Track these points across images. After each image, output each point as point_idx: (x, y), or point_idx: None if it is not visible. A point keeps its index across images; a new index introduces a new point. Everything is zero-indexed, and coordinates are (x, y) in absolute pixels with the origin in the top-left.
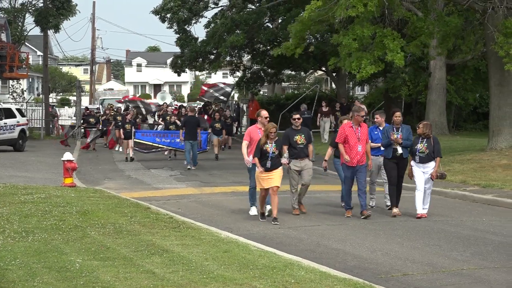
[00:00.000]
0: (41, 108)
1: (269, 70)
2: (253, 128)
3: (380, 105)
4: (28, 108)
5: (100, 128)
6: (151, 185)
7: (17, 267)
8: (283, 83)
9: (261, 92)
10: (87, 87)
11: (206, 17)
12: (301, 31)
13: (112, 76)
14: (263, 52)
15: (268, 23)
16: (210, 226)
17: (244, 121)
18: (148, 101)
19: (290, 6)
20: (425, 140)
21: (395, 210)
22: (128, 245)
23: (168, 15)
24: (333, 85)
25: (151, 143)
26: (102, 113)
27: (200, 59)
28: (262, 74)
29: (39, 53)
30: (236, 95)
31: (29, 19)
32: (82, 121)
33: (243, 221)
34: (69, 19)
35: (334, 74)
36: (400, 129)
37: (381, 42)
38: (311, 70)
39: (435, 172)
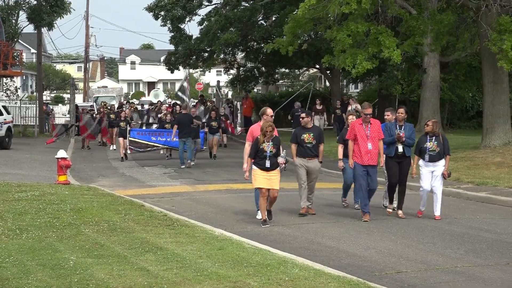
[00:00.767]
0: (35, 106)
1: (263, 68)
2: (256, 127)
3: (374, 103)
4: (22, 106)
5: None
6: (145, 183)
7: (11, 264)
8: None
9: (255, 90)
10: (81, 85)
11: (200, 15)
12: (295, 28)
13: (106, 74)
14: (257, 49)
15: (262, 21)
16: (204, 223)
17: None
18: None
19: (284, 3)
20: (434, 138)
21: (397, 211)
22: (122, 243)
23: (162, 13)
24: (327, 83)
25: (146, 142)
26: (96, 111)
27: (194, 57)
28: (256, 72)
29: (33, 50)
30: (230, 93)
31: (22, 17)
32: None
33: (237, 219)
34: (63, 17)
35: (328, 72)
36: (403, 126)
37: (376, 39)
38: (305, 68)
39: (446, 171)
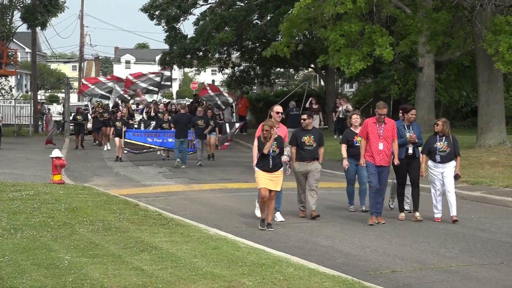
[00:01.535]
0: (29, 105)
1: (258, 67)
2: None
3: (369, 102)
4: (16, 105)
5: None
6: (140, 182)
7: (5, 264)
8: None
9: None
10: (75, 84)
11: (195, 15)
12: (290, 28)
13: (100, 73)
14: (252, 49)
15: (257, 20)
16: (199, 223)
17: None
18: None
19: (279, 3)
20: (444, 138)
21: (413, 213)
22: (117, 242)
23: (157, 13)
24: (322, 82)
25: (142, 144)
26: (90, 110)
27: (189, 56)
28: (252, 73)
29: (27, 50)
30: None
31: (17, 16)
32: (71, 118)
33: (232, 218)
34: (57, 16)
35: (323, 71)
36: (410, 127)
37: (369, 38)
38: (300, 68)
39: (458, 171)
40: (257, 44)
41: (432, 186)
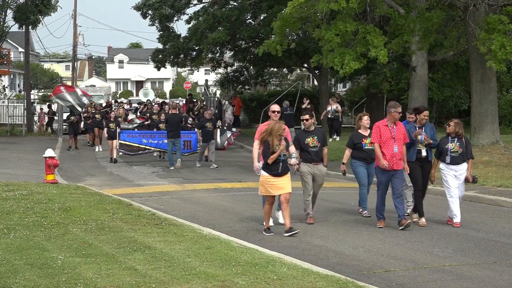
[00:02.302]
0: (22, 104)
1: (251, 67)
2: (265, 126)
3: (362, 102)
4: (9, 104)
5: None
6: (133, 182)
7: None
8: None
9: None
10: (69, 84)
11: (188, 14)
12: (283, 27)
13: (94, 73)
14: (245, 49)
15: (250, 20)
16: (192, 222)
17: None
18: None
19: (272, 2)
20: (456, 139)
21: (423, 220)
22: (110, 242)
23: (150, 12)
24: (315, 82)
25: (137, 145)
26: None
27: (182, 56)
28: (246, 73)
29: (20, 49)
30: (218, 92)
31: (10, 15)
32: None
33: (226, 218)
34: (50, 15)
35: (316, 71)
36: (423, 128)
37: (364, 39)
38: (293, 67)
39: (470, 175)
40: (250, 44)
41: (447, 189)
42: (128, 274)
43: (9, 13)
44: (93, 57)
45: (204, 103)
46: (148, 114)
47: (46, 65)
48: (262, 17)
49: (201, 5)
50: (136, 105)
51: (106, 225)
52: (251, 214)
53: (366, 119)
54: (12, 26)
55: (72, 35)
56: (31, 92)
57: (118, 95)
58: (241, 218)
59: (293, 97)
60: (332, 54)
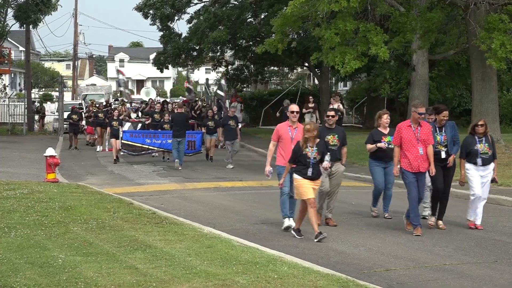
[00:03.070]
0: (23, 103)
1: (252, 66)
2: (283, 126)
3: (363, 101)
4: (10, 103)
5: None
6: (134, 181)
7: None
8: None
9: (244, 88)
10: (69, 83)
11: (189, 13)
12: (284, 25)
13: (94, 72)
14: (245, 47)
15: (250, 19)
16: (193, 221)
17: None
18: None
19: (272, 2)
20: (483, 139)
21: (439, 222)
22: (111, 241)
23: (151, 11)
24: (316, 81)
25: (140, 145)
26: (84, 109)
27: (183, 55)
28: (246, 71)
29: (21, 48)
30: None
31: (11, 14)
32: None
33: (226, 217)
34: (51, 14)
35: (317, 70)
36: (443, 129)
37: (364, 37)
38: (294, 66)
39: (496, 175)
40: (251, 43)
41: (472, 190)
42: (128, 273)
43: (10, 12)
44: (94, 56)
45: (206, 102)
46: (149, 114)
47: (47, 64)
48: (262, 16)
49: (202, 4)
50: (136, 104)
51: (106, 224)
52: (252, 213)
53: (385, 118)
54: (13, 25)
55: (73, 34)
56: (31, 91)
57: (118, 94)
58: (241, 217)
59: (294, 96)
60: (332, 53)
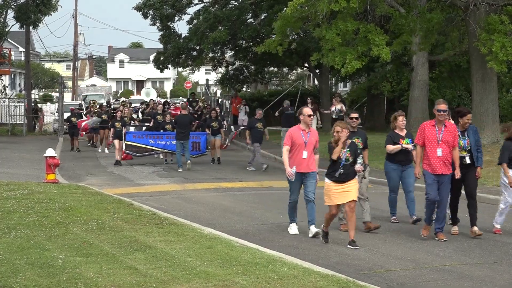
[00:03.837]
0: (23, 104)
1: (252, 66)
2: (295, 130)
3: (363, 102)
4: (10, 104)
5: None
6: (134, 181)
7: None
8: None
9: (244, 89)
10: (69, 83)
11: (189, 14)
12: (284, 26)
13: (94, 72)
14: (245, 48)
15: (250, 19)
16: (193, 222)
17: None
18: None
19: (272, 2)
20: None
21: (471, 228)
22: (111, 241)
23: (151, 12)
24: (316, 82)
25: (144, 146)
26: (84, 110)
27: (183, 56)
28: (245, 71)
29: (21, 49)
30: (218, 91)
31: (11, 15)
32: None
33: (226, 217)
34: (51, 15)
35: (317, 71)
36: (466, 133)
37: (365, 38)
38: (294, 67)
39: None
40: (251, 43)
41: (507, 195)
42: (128, 273)
43: (10, 13)
44: (94, 57)
45: (207, 103)
46: (151, 115)
47: (47, 65)
48: (262, 17)
49: (202, 5)
50: (136, 105)
51: (106, 225)
52: (252, 213)
53: (401, 119)
54: (12, 25)
55: (73, 34)
56: (31, 92)
57: (118, 95)
58: (241, 217)
59: (294, 96)
60: (333, 53)
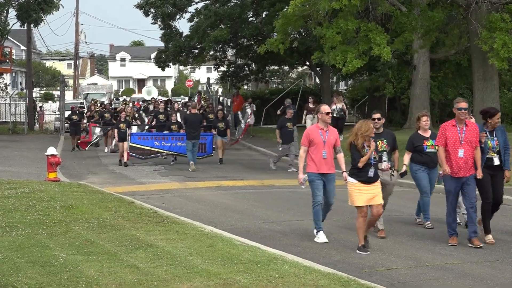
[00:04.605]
0: (24, 103)
1: (253, 64)
2: (313, 129)
3: (364, 101)
4: (11, 102)
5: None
6: (135, 180)
7: (1, 261)
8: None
9: (245, 87)
10: (70, 82)
11: (190, 12)
12: (285, 25)
13: (96, 71)
14: (247, 46)
15: (252, 18)
16: (194, 220)
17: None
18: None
19: (274, 0)
20: None
21: (489, 236)
22: (112, 240)
23: (152, 10)
24: (317, 80)
25: (149, 148)
26: (86, 108)
27: (184, 54)
28: (247, 69)
29: (22, 47)
30: (220, 90)
31: (12, 14)
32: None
33: (227, 216)
34: (52, 13)
35: (318, 69)
36: (494, 133)
37: (366, 36)
38: (295, 65)
39: None
40: (252, 42)
41: None
42: (130, 272)
43: (11, 11)
44: (95, 55)
45: (209, 101)
46: (153, 114)
47: (48, 63)
48: (263, 15)
49: (203, 3)
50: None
51: (108, 223)
52: (253, 212)
53: (424, 120)
54: (14, 24)
55: (74, 33)
56: (33, 90)
57: (120, 93)
58: (243, 216)
59: (295, 95)
60: (334, 52)
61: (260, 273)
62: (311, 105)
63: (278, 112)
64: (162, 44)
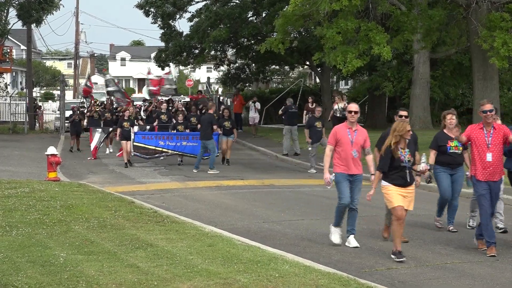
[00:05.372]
0: (24, 102)
1: (253, 64)
2: (341, 128)
3: (364, 100)
4: (11, 102)
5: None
6: (135, 179)
7: (1, 261)
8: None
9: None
10: (71, 81)
11: (190, 12)
12: (285, 24)
13: (96, 70)
14: (247, 46)
15: (252, 17)
16: (194, 220)
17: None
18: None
19: (274, 0)
20: None
21: None
22: (112, 239)
23: (152, 9)
24: (317, 80)
25: (153, 147)
26: (86, 108)
27: (184, 54)
28: (247, 69)
29: (22, 47)
30: (220, 90)
31: (12, 13)
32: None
33: (227, 216)
34: (53, 13)
35: (318, 69)
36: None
37: (366, 36)
38: (295, 65)
39: None
40: (252, 42)
41: None
42: (130, 271)
43: (11, 11)
44: (95, 55)
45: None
46: (155, 114)
47: (48, 63)
48: (263, 15)
49: (203, 3)
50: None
51: (108, 223)
52: (253, 211)
53: (449, 118)
54: (14, 23)
55: (74, 32)
56: (33, 90)
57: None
58: (243, 215)
59: (295, 94)
60: (334, 52)
61: (260, 273)
62: (310, 105)
63: (280, 112)
64: (162, 44)
